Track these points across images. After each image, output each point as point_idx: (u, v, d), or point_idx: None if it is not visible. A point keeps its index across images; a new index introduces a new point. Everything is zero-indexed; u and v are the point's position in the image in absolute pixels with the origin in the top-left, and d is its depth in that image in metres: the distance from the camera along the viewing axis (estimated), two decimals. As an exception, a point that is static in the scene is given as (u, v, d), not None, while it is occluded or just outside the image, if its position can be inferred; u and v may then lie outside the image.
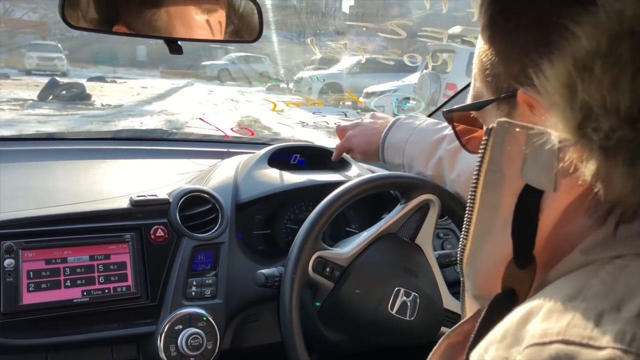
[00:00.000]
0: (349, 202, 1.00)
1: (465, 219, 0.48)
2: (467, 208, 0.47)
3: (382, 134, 1.15)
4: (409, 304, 1.00)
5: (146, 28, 0.79)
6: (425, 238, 1.09)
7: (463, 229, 0.48)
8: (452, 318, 1.06)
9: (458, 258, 0.50)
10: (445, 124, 0.99)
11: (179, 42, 0.83)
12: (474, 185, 0.46)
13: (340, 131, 1.30)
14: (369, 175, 1.07)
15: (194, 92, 11.17)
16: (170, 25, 0.82)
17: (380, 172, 1.24)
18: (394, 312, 1.00)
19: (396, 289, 1.00)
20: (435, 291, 1.06)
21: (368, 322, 1.01)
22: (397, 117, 1.20)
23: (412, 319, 1.01)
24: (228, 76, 13.42)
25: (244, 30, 0.94)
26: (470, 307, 0.52)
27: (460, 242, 0.49)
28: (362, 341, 1.07)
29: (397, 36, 1.52)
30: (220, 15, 0.87)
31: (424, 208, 1.08)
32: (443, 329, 1.06)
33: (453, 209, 1.09)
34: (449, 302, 1.08)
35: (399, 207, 1.08)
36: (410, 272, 1.04)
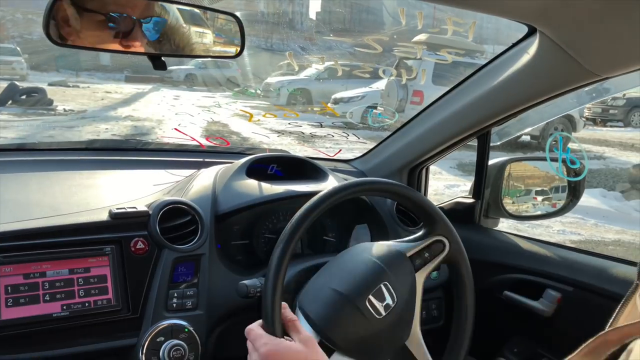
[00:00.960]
0: (326, 209, 0.99)
1: None
2: None
3: None
4: (386, 296, 0.98)
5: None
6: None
7: None
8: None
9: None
10: None
11: (163, 59, 0.84)
12: None
13: None
14: (343, 183, 1.07)
15: (160, 97, 11.02)
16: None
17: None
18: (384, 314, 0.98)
19: (367, 299, 0.98)
20: (392, 254, 1.05)
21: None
22: None
23: (396, 302, 0.99)
24: (194, 81, 13.30)
25: (227, 45, 0.95)
26: (633, 314, 0.52)
27: None
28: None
29: (374, 50, 1.56)
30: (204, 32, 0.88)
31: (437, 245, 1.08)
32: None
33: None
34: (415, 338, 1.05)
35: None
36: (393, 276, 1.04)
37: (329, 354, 0.90)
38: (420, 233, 1.09)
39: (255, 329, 0.87)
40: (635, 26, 0.84)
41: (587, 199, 6.07)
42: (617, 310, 0.56)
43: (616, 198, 6.40)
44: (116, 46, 0.84)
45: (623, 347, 0.46)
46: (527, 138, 8.76)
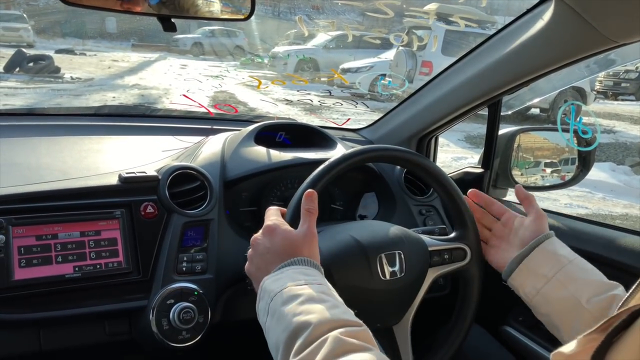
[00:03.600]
0: (334, 176, 1.00)
1: None
2: None
3: (541, 235, 0.99)
4: (397, 263, 1.00)
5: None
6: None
7: None
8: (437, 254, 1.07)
9: None
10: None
11: (172, 20, 0.83)
12: None
13: (500, 212, 1.10)
14: (352, 149, 1.07)
15: (167, 66, 10.96)
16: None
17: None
18: (388, 278, 1.00)
19: (379, 256, 1.00)
20: (415, 238, 1.07)
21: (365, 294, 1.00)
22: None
23: (403, 274, 1.01)
24: (201, 50, 13.18)
25: (236, 7, 0.94)
26: None
27: None
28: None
29: (385, 15, 1.53)
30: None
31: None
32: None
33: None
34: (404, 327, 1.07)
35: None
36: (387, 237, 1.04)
37: None
38: (450, 235, 1.09)
39: (273, 208, 0.92)
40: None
41: (596, 172, 6.04)
42: (631, 290, 0.55)
43: (625, 172, 6.36)
44: (118, 6, 0.83)
45: (632, 320, 0.45)
46: (536, 111, 8.67)
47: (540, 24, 1.07)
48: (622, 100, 12.23)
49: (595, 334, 0.49)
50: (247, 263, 0.88)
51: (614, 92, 12.38)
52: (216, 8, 0.90)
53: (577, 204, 5.17)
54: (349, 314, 0.71)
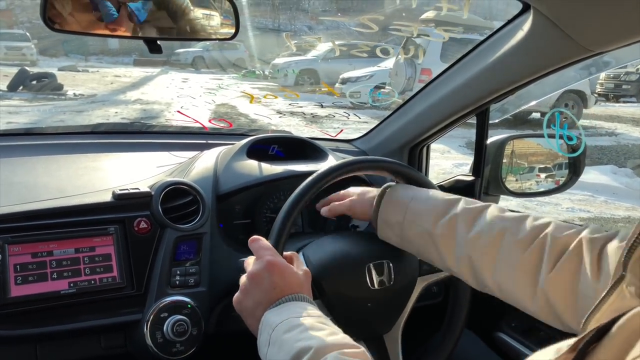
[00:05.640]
0: (322, 188, 1.02)
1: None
2: None
3: (379, 191, 1.04)
4: (385, 272, 1.02)
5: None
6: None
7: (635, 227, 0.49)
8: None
9: (624, 253, 0.51)
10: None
11: (158, 42, 0.86)
12: None
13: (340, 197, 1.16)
14: (343, 160, 1.09)
15: (168, 80, 11.05)
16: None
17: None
18: (377, 287, 1.01)
19: (367, 265, 1.01)
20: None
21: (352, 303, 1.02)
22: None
23: (392, 283, 1.02)
24: (203, 63, 13.29)
25: (222, 27, 0.97)
26: (618, 304, 0.52)
27: (627, 240, 0.50)
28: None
29: (369, 30, 1.56)
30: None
31: None
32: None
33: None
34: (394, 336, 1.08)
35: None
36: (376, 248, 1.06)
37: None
38: None
39: (262, 239, 0.91)
40: (625, 2, 0.85)
41: (598, 176, 6.03)
42: (596, 303, 0.56)
43: (627, 175, 6.35)
44: (103, 30, 0.85)
45: (611, 324, 0.46)
46: (537, 115, 8.68)
47: (520, 35, 1.10)
48: (624, 102, 12.22)
49: (566, 354, 0.50)
50: (242, 296, 0.86)
51: (615, 94, 12.38)
52: (201, 28, 0.93)
53: (579, 208, 5.17)
54: (348, 339, 0.74)
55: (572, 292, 0.75)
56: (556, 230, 0.81)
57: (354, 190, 1.12)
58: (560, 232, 0.80)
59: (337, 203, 1.12)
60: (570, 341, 0.48)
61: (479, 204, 0.93)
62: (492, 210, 0.91)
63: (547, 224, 0.83)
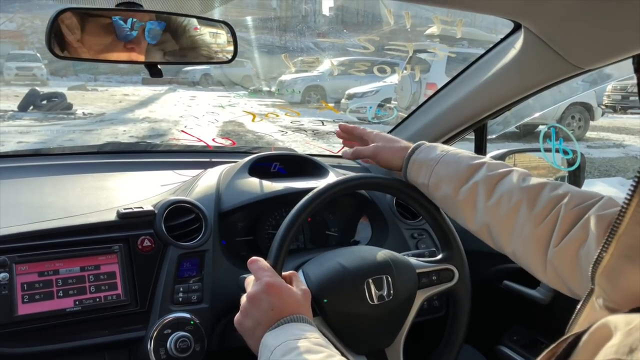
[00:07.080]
0: (321, 204, 1.04)
1: (611, 227, 0.48)
2: (616, 219, 0.46)
3: (410, 149, 1.07)
4: (385, 287, 1.03)
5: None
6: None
7: (604, 240, 0.49)
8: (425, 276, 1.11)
9: (590, 268, 0.51)
10: (481, 156, 1.00)
11: (159, 66, 0.90)
12: (629, 196, 0.45)
13: (361, 135, 1.18)
14: (339, 178, 1.11)
15: (176, 98, 11.17)
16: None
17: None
18: (376, 302, 1.03)
19: (366, 281, 1.03)
20: (402, 261, 1.10)
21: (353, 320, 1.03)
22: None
23: (391, 298, 1.04)
24: (210, 81, 13.42)
25: (220, 51, 1.00)
26: (591, 316, 0.53)
27: (597, 254, 0.51)
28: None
29: (366, 50, 1.60)
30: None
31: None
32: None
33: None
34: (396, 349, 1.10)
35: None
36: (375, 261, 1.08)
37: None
38: (437, 257, 1.14)
39: (261, 260, 0.92)
40: (612, 21, 0.87)
41: (605, 188, 5.99)
42: (573, 316, 0.58)
43: (635, 186, 6.29)
44: (119, 53, 0.88)
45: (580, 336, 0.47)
46: (544, 127, 8.67)
47: (512, 53, 1.13)
48: (632, 113, 12.16)
49: None
50: (242, 317, 0.87)
51: (622, 105, 12.33)
52: (199, 53, 0.96)
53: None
54: None
55: (577, 266, 0.77)
56: (570, 203, 0.82)
57: (382, 136, 1.14)
58: (573, 205, 0.81)
59: (361, 148, 1.14)
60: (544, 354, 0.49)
61: (501, 169, 0.94)
62: (512, 177, 0.92)
63: (564, 195, 0.84)
